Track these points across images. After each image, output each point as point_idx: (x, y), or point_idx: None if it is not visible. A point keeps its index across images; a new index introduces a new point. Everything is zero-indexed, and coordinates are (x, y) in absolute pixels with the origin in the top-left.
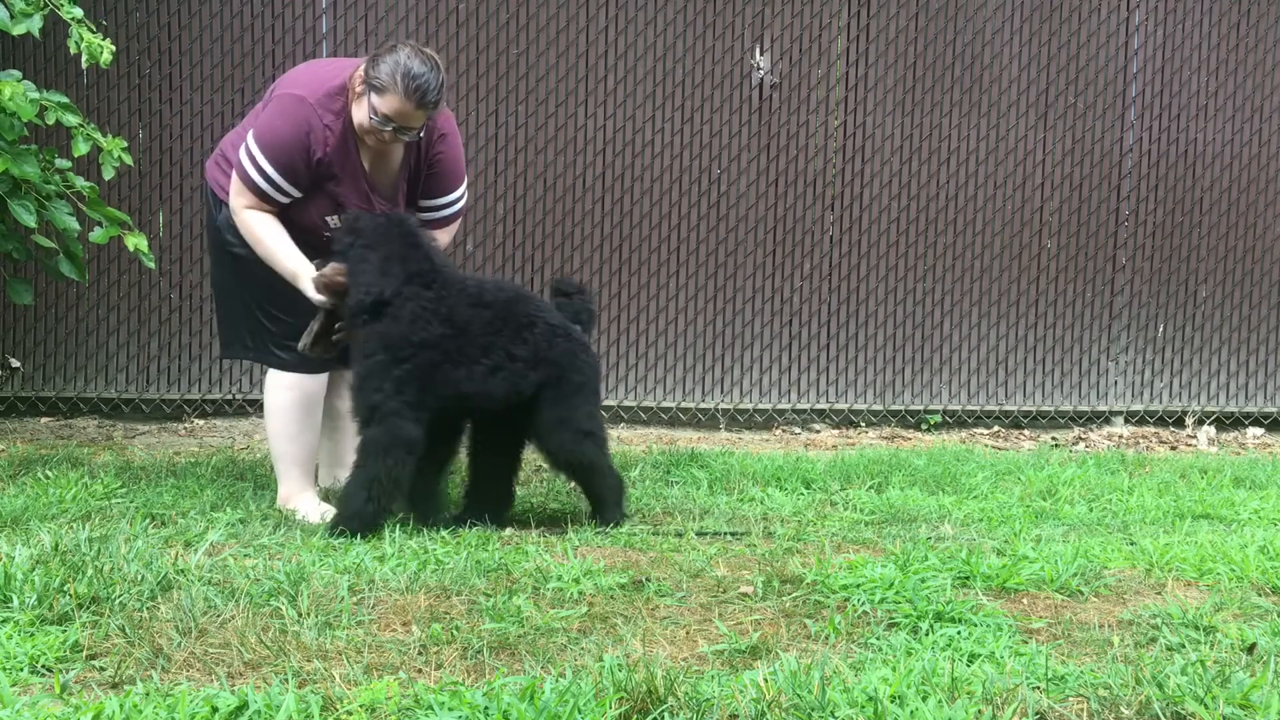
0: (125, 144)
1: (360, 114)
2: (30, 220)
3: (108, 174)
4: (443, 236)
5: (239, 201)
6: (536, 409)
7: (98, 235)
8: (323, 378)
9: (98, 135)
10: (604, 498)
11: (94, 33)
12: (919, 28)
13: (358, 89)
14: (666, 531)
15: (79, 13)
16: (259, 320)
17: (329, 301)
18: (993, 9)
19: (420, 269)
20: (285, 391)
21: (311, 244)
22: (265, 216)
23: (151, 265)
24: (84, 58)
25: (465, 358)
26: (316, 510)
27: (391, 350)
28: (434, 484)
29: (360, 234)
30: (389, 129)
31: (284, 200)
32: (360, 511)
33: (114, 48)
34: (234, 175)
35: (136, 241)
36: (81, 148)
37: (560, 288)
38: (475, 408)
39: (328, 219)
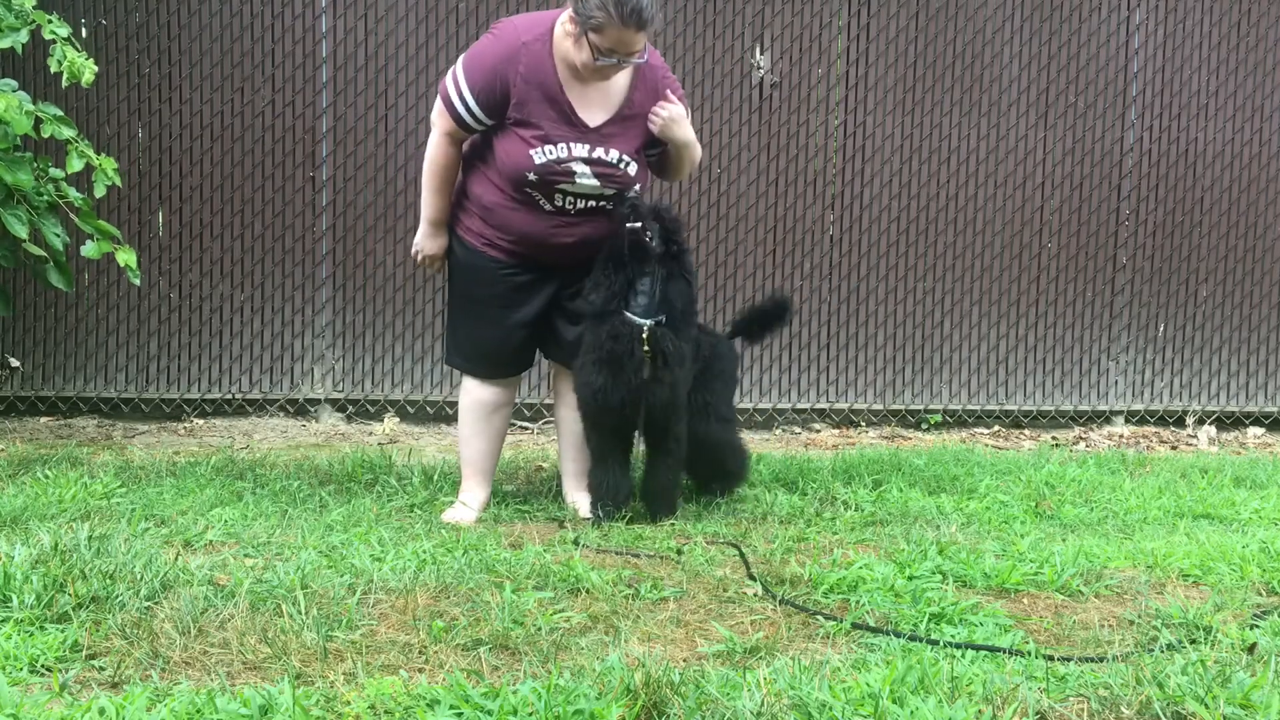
0: (116, 164)
1: (582, 55)
2: (22, 231)
3: (99, 192)
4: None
5: (438, 125)
6: None
7: (89, 250)
8: (492, 386)
9: (91, 153)
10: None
11: (78, 51)
12: (919, 27)
13: (571, 29)
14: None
15: (64, 31)
16: (456, 324)
17: None
18: (993, 9)
19: None
20: (462, 395)
21: (530, 205)
22: (450, 152)
23: (136, 282)
24: (64, 77)
25: None
26: (457, 513)
27: None
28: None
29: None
30: (613, 61)
31: (476, 126)
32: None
33: (96, 68)
34: (438, 99)
35: (126, 258)
36: (75, 164)
37: None
38: None
39: (532, 154)
